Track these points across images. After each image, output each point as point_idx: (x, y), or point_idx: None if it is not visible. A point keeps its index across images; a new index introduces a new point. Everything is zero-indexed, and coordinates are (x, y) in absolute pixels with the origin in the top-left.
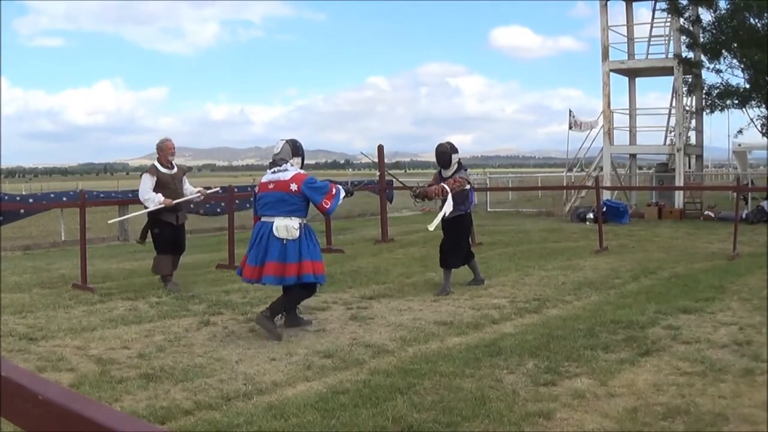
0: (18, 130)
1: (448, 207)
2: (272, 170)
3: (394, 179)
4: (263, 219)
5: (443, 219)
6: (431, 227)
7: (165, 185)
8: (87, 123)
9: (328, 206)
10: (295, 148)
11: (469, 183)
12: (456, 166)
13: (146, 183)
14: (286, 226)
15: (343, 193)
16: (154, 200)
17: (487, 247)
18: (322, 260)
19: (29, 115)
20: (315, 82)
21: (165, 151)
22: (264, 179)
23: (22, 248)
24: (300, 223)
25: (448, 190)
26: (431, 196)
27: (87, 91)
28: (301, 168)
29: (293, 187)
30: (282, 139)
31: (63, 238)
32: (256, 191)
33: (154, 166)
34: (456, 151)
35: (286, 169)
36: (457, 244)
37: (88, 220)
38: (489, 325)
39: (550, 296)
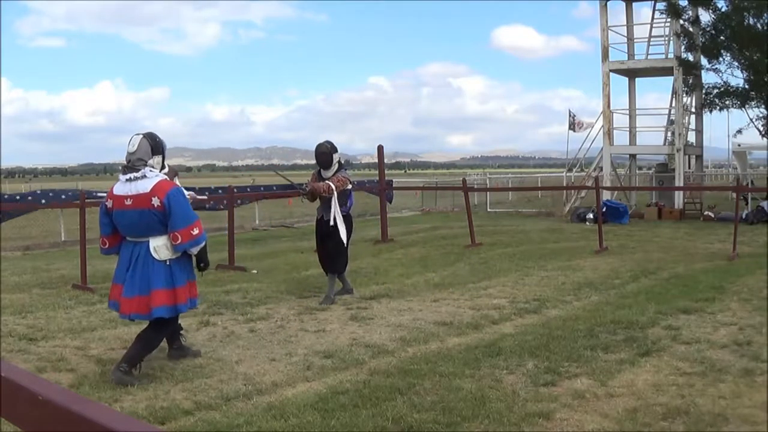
0: (18, 130)
1: (335, 207)
2: (127, 176)
3: (284, 178)
4: (130, 239)
5: (327, 222)
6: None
7: None
8: (87, 123)
9: (178, 242)
10: (155, 145)
11: (350, 183)
12: (337, 166)
13: None
14: (165, 245)
15: (204, 241)
16: None
17: (487, 247)
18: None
19: (30, 116)
20: (315, 83)
21: None
22: (117, 190)
23: (22, 248)
24: None
25: (334, 188)
26: (320, 192)
27: (88, 92)
28: (163, 168)
29: (155, 201)
30: (138, 134)
31: (63, 239)
32: (107, 204)
33: None
34: (336, 150)
35: (144, 176)
36: (341, 247)
37: (87, 220)
38: (489, 326)
39: (550, 296)
